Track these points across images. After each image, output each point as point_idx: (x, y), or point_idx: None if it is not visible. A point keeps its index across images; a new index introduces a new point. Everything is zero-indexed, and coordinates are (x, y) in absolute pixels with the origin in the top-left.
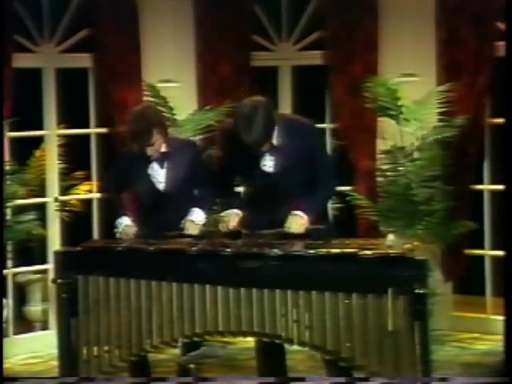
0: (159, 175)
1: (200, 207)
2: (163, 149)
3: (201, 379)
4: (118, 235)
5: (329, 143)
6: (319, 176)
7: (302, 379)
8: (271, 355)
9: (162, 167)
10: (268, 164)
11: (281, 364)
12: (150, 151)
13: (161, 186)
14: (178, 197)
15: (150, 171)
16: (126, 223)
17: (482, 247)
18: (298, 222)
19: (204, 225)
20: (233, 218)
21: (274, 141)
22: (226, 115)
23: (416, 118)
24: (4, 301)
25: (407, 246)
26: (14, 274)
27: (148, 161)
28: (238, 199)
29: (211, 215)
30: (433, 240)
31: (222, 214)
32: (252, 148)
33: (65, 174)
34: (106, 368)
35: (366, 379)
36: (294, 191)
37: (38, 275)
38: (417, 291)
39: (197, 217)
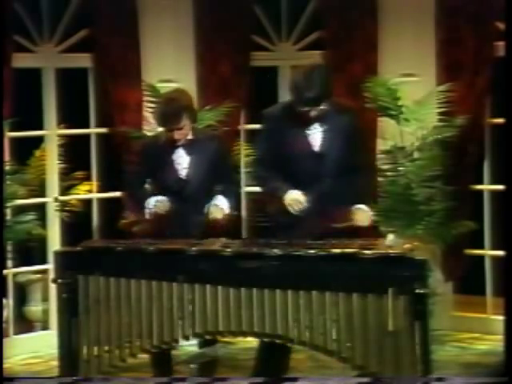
0: (184, 161)
1: (223, 196)
2: (190, 136)
3: (201, 379)
4: (147, 215)
5: None
6: (360, 166)
7: (295, 379)
8: (276, 355)
9: (188, 154)
10: (316, 137)
11: (285, 364)
12: (177, 135)
13: (184, 173)
14: (199, 185)
15: (174, 157)
16: (157, 198)
17: (482, 247)
18: (364, 215)
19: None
20: (300, 198)
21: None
22: (226, 115)
23: (416, 118)
24: (4, 301)
25: (407, 245)
26: (14, 274)
27: (173, 147)
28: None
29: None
30: (433, 240)
31: (285, 196)
32: (310, 103)
33: (65, 174)
34: (106, 368)
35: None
36: (339, 175)
37: (38, 275)
38: (417, 291)
39: (220, 201)
